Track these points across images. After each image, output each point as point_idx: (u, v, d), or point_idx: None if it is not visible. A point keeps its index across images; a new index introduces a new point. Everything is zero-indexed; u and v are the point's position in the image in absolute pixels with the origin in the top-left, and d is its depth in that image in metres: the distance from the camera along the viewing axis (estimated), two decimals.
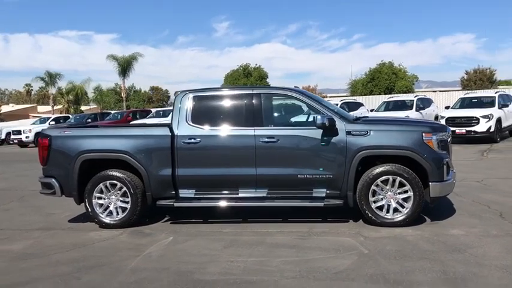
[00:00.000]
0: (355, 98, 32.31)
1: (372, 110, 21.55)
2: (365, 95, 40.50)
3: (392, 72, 43.86)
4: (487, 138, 16.69)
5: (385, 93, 40.27)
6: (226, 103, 6.88)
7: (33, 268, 5.10)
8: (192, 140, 6.55)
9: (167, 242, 5.94)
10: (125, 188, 6.70)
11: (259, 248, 5.50)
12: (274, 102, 7.04)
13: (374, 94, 40.70)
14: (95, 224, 6.91)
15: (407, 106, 20.28)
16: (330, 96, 47.38)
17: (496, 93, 18.43)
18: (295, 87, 7.81)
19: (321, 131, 6.31)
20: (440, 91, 44.12)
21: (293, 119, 7.11)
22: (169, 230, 6.55)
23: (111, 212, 6.79)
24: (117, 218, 6.75)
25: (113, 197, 6.78)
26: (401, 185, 6.22)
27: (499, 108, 16.93)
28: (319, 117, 6.21)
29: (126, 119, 24.90)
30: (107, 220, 6.75)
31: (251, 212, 7.09)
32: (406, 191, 6.21)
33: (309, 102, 6.65)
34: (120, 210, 6.78)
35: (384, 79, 43.15)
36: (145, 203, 6.81)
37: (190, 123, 6.65)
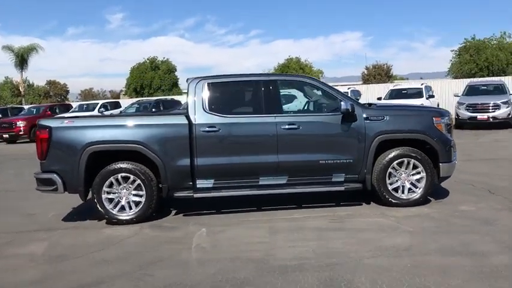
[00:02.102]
0: None
1: (379, 98, 20.32)
2: None
3: (300, 68, 45.20)
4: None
5: None
6: (243, 90, 6.79)
7: (86, 269, 4.66)
8: (212, 129, 6.36)
9: (204, 233, 5.74)
10: (138, 181, 6.32)
11: (305, 232, 5.54)
12: (292, 89, 7.07)
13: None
14: (96, 221, 6.49)
15: (417, 94, 20.10)
16: None
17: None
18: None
19: (341, 116, 6.47)
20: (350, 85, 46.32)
21: (310, 106, 7.19)
22: (191, 222, 6.30)
23: (122, 208, 6.37)
24: (131, 213, 6.35)
25: (124, 191, 6.36)
26: (414, 166, 6.59)
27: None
28: (343, 103, 6.37)
29: (44, 114, 23.08)
30: (121, 216, 6.33)
31: (256, 200, 6.99)
32: (419, 172, 6.59)
33: (324, 88, 6.78)
34: (133, 205, 6.38)
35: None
36: (160, 196, 6.49)
37: (208, 111, 6.45)
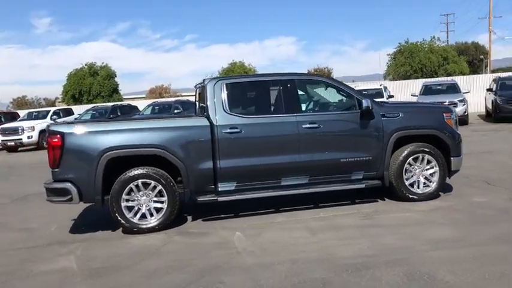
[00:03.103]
0: None
1: None
2: None
3: (244, 72, 45.34)
4: None
5: None
6: (262, 90, 6.68)
7: (144, 281, 4.35)
8: (234, 130, 6.20)
9: (242, 237, 5.55)
10: (160, 187, 6.03)
11: (345, 230, 5.52)
12: (308, 89, 7.04)
13: None
14: (110, 231, 6.15)
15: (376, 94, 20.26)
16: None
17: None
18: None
19: (359, 114, 6.53)
20: None
21: (328, 104, 7.18)
22: (217, 227, 6.09)
23: (143, 215, 6.06)
24: (153, 221, 6.05)
25: (144, 197, 6.05)
26: (428, 161, 6.78)
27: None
28: (364, 100, 6.43)
29: None
30: (143, 225, 6.01)
31: (267, 201, 6.82)
32: (432, 167, 6.79)
33: (341, 87, 6.82)
34: (154, 212, 6.09)
35: None
36: (182, 202, 6.24)
37: (229, 112, 6.28)
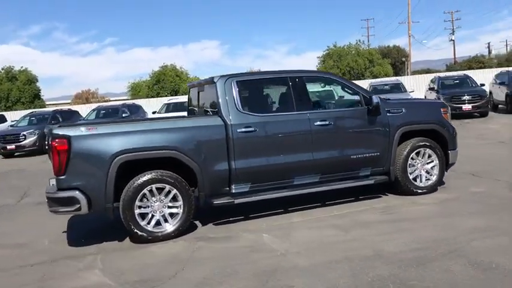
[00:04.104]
0: (134, 101, 29.95)
1: (154, 112, 20.01)
2: (152, 97, 40.28)
3: (176, 75, 44.68)
4: None
5: (171, 95, 40.88)
6: (272, 87, 6.53)
7: None
8: (249, 129, 5.97)
9: (272, 239, 5.33)
10: (174, 191, 5.67)
11: (375, 226, 5.48)
12: (316, 85, 6.96)
13: (161, 96, 40.86)
14: (117, 242, 5.70)
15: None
16: (113, 100, 45.69)
17: None
18: None
19: (366, 111, 6.56)
20: None
21: (337, 101, 7.14)
22: (236, 230, 5.82)
23: (158, 222, 5.66)
24: (168, 228, 5.65)
25: (158, 203, 5.66)
26: (428, 155, 6.95)
27: None
28: (373, 97, 6.47)
29: None
30: (159, 232, 5.60)
31: (268, 202, 6.44)
32: (432, 161, 6.97)
33: (347, 84, 6.81)
34: (169, 218, 5.71)
35: (169, 81, 43.63)
36: (198, 206, 5.91)
37: (242, 111, 6.05)
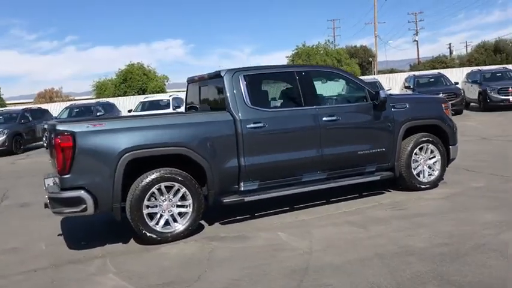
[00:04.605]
0: (100, 100, 29.15)
1: (129, 111, 20.06)
2: (119, 96, 39.49)
3: (143, 73, 43.96)
4: None
5: (138, 94, 40.18)
6: (280, 82, 6.35)
7: None
8: (258, 124, 5.79)
9: (291, 237, 5.16)
10: (184, 189, 5.42)
11: (392, 222, 5.39)
12: (323, 80, 6.83)
13: (128, 95, 40.10)
14: (121, 244, 5.41)
15: (163, 105, 19.51)
16: (78, 99, 44.49)
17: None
18: None
19: (372, 106, 6.49)
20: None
21: (343, 96, 7.03)
22: (247, 229, 5.62)
23: (166, 223, 5.40)
24: (178, 228, 5.40)
25: (166, 202, 5.40)
26: (431, 151, 6.96)
27: None
28: (381, 91, 6.40)
29: None
30: (168, 233, 5.34)
31: (271, 200, 6.25)
32: (434, 156, 6.97)
33: (353, 79, 6.73)
34: (177, 218, 5.46)
35: (137, 80, 42.87)
36: (207, 204, 5.68)
37: (251, 106, 5.86)
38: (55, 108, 25.16)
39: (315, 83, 6.53)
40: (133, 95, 39.41)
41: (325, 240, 4.92)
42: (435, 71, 25.55)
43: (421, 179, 6.88)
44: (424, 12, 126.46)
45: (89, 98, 41.95)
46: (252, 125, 5.74)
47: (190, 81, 7.05)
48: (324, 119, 6.14)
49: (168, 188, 5.38)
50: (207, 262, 4.58)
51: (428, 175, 6.95)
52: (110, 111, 19.15)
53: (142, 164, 5.32)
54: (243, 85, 5.87)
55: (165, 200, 5.38)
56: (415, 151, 6.79)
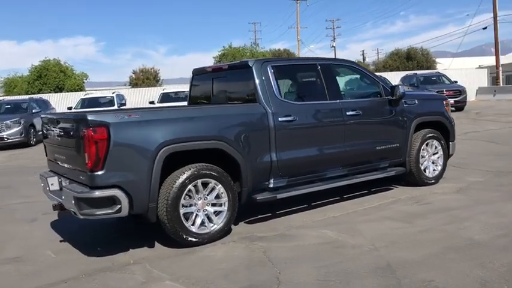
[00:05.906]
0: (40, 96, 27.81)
1: (69, 108, 18.38)
2: (32, 93, 37.01)
3: (60, 70, 41.65)
4: None
5: (55, 92, 38.00)
6: (306, 74, 6.12)
7: None
8: (288, 118, 5.52)
9: (337, 234, 4.91)
10: (219, 186, 5.01)
11: (429, 216, 5.35)
12: (343, 74, 6.67)
13: (44, 93, 37.71)
14: (147, 248, 4.91)
15: (105, 103, 18.90)
16: None
17: None
18: None
19: (388, 101, 6.47)
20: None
21: (362, 90, 6.89)
22: (280, 228, 5.30)
23: (201, 223, 4.96)
24: (213, 228, 4.96)
25: (201, 201, 4.97)
26: (435, 147, 7.09)
27: None
28: (399, 87, 6.40)
29: None
30: (204, 234, 4.89)
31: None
32: (437, 152, 7.11)
33: (369, 74, 6.67)
34: (213, 217, 5.03)
35: (53, 77, 40.45)
36: (240, 203, 5.31)
37: (281, 98, 5.58)
38: None
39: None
40: (49, 92, 37.00)
41: (379, 237, 4.74)
42: (433, 71, 27.84)
43: (427, 174, 6.98)
44: (341, 19, 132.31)
45: None
46: (283, 118, 5.46)
47: (199, 72, 6.58)
48: (348, 113, 6.01)
49: (203, 186, 4.95)
50: (271, 263, 4.22)
51: (433, 170, 7.07)
52: (46, 108, 17.75)
53: (173, 159, 4.84)
54: (271, 77, 5.57)
55: (200, 199, 4.94)
56: (423, 146, 6.88)
